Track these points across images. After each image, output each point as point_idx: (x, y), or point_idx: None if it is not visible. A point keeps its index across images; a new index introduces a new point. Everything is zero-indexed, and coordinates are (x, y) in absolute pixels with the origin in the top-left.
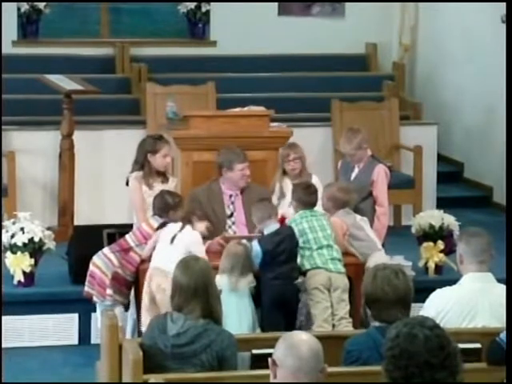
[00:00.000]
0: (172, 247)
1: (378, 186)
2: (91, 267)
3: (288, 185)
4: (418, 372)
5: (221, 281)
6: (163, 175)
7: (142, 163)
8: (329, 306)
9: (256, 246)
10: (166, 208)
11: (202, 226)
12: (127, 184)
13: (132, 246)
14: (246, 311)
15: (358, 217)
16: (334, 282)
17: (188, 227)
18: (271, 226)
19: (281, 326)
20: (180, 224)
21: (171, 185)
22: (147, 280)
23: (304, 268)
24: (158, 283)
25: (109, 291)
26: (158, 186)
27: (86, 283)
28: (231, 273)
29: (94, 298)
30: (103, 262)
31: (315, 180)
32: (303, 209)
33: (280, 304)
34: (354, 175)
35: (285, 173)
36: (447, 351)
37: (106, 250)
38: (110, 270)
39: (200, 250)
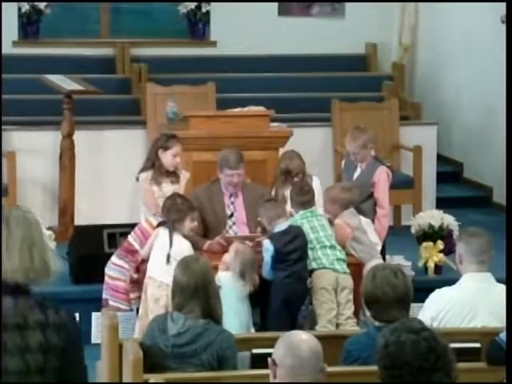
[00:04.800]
0: (168, 264)
1: (379, 187)
2: (111, 281)
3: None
4: (413, 379)
5: (225, 278)
6: (174, 175)
7: (153, 160)
8: (334, 307)
9: (268, 244)
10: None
11: (186, 225)
12: (137, 179)
13: (137, 248)
14: (244, 308)
15: (363, 219)
16: (341, 282)
17: (176, 239)
18: (281, 225)
19: (288, 326)
20: (167, 236)
21: (182, 182)
22: (143, 289)
23: (310, 268)
24: (152, 293)
25: (132, 295)
26: (168, 187)
27: (109, 297)
28: (242, 278)
29: (123, 308)
30: (119, 272)
31: (316, 182)
32: (301, 209)
33: (290, 303)
34: (356, 175)
35: (286, 179)
36: (437, 353)
37: (114, 258)
38: (126, 275)
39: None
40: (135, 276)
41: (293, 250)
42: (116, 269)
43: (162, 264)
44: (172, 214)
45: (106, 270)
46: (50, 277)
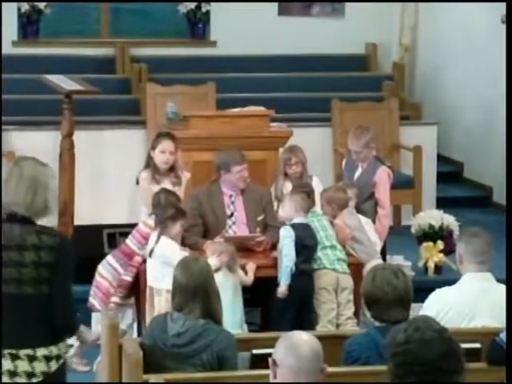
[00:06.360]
0: (151, 261)
1: (380, 188)
2: (98, 278)
3: (289, 188)
4: (431, 377)
5: (217, 278)
6: (175, 176)
7: (148, 161)
8: (335, 308)
9: (289, 230)
10: (157, 206)
11: (176, 228)
12: (137, 183)
13: (134, 249)
14: (239, 305)
15: (363, 219)
16: (341, 282)
17: (163, 238)
18: (300, 219)
19: (292, 325)
20: (156, 235)
21: (183, 185)
22: (147, 297)
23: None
24: (152, 302)
25: (114, 299)
26: (169, 187)
27: (91, 293)
28: (233, 270)
29: (97, 306)
30: (109, 273)
31: (316, 182)
32: None
33: (300, 301)
34: (357, 175)
35: (286, 175)
36: (458, 355)
37: (110, 258)
38: (116, 278)
39: (175, 257)
40: (126, 278)
41: (308, 246)
42: (109, 270)
43: (149, 266)
44: (168, 211)
45: (100, 267)
46: (47, 216)
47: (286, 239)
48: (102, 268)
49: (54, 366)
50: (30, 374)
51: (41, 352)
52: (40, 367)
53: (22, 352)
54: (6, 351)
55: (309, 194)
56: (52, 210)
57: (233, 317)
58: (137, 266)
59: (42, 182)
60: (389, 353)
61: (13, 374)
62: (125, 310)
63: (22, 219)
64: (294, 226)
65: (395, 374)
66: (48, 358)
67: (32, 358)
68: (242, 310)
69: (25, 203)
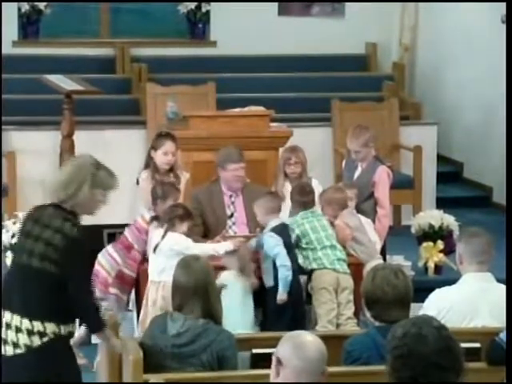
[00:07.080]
0: (155, 256)
1: (379, 187)
2: (96, 266)
3: (288, 188)
4: (427, 373)
5: (228, 276)
6: (174, 176)
7: (147, 161)
8: (335, 308)
9: (274, 237)
10: (155, 198)
11: (182, 228)
12: (137, 183)
13: (131, 241)
14: (249, 307)
15: (363, 219)
16: (341, 282)
17: (169, 234)
18: (275, 220)
19: (290, 324)
20: (162, 231)
21: (183, 183)
22: (145, 293)
23: (310, 268)
24: (151, 296)
25: (112, 290)
26: None
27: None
28: (243, 273)
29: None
30: (107, 261)
31: (315, 184)
32: (302, 210)
33: (294, 301)
34: (357, 174)
35: (286, 176)
36: (456, 353)
37: (110, 248)
38: (114, 268)
39: (185, 246)
40: (129, 274)
41: (289, 246)
42: (108, 259)
43: (152, 260)
44: (178, 210)
45: (99, 255)
46: (73, 202)
47: (277, 247)
48: (101, 257)
49: (36, 341)
50: (15, 345)
51: (24, 324)
52: (23, 339)
53: (14, 320)
54: (3, 320)
55: (274, 193)
56: (81, 197)
57: (242, 317)
58: (136, 263)
59: (82, 174)
60: (388, 347)
61: (5, 342)
62: (121, 302)
63: (56, 204)
64: (275, 231)
65: (392, 367)
66: (30, 332)
67: (18, 330)
68: (252, 311)
69: (57, 186)
